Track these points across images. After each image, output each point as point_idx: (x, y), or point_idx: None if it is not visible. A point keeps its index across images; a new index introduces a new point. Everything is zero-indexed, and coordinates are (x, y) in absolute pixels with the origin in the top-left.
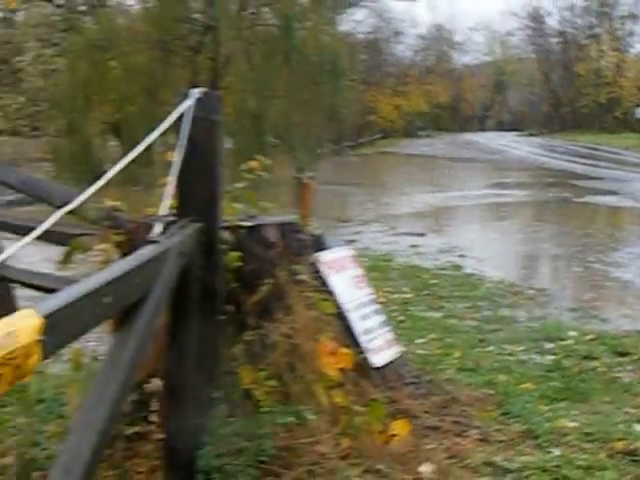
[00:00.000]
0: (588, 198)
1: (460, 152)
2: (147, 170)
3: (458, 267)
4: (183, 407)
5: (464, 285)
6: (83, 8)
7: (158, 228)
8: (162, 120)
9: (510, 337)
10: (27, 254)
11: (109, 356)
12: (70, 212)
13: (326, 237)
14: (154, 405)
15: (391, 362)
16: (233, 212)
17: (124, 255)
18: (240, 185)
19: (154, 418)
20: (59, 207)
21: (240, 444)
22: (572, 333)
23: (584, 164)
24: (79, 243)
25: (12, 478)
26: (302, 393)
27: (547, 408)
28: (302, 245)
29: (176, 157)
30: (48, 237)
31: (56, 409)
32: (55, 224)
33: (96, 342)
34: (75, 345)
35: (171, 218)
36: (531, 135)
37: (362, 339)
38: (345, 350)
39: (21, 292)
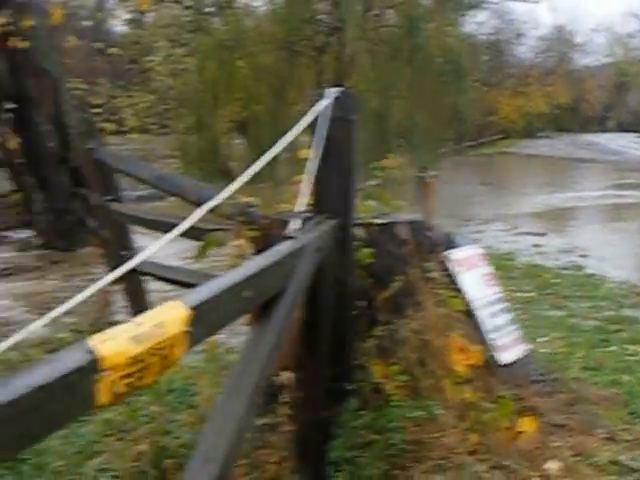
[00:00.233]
0: None
1: (579, 153)
2: (273, 167)
3: (579, 267)
4: (315, 400)
5: (586, 285)
6: (211, 9)
7: (295, 224)
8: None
9: (633, 338)
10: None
11: (246, 349)
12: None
13: (456, 235)
14: (283, 397)
15: (518, 360)
16: (365, 210)
17: (258, 251)
18: (373, 183)
19: (284, 410)
20: (193, 203)
21: (370, 437)
22: None
23: None
24: (214, 238)
25: (146, 465)
26: (431, 388)
27: None
28: (432, 243)
29: (312, 155)
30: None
31: (186, 399)
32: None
33: (226, 335)
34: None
35: (307, 215)
36: None
37: (490, 336)
38: (474, 347)
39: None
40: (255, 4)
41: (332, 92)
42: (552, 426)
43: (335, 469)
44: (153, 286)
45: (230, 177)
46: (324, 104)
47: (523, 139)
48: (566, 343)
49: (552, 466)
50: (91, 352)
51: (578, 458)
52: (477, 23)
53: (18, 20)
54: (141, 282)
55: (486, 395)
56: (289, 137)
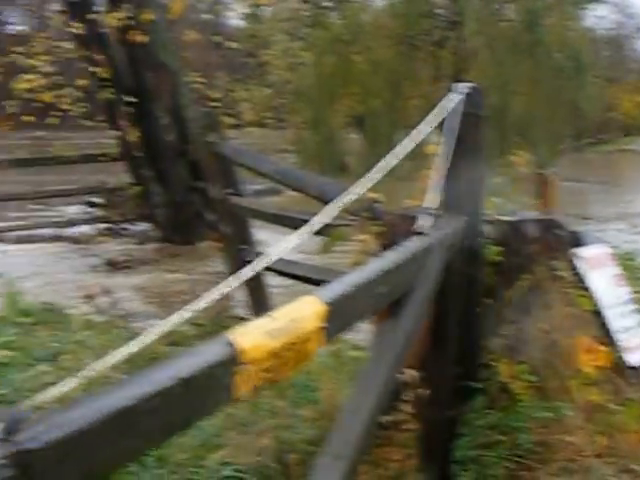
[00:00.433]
0: None
1: None
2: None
3: None
4: (441, 398)
5: None
6: (328, 4)
7: (424, 220)
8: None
9: None
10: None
11: (375, 348)
12: (329, 202)
13: (584, 233)
14: (407, 395)
15: None
16: (491, 206)
17: (384, 247)
18: (498, 180)
19: (407, 408)
20: (315, 197)
21: (496, 437)
22: None
23: None
24: (340, 233)
25: (269, 459)
26: (558, 389)
27: None
28: (560, 241)
29: (441, 151)
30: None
31: (307, 394)
32: (307, 214)
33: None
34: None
35: (437, 211)
36: None
37: (619, 337)
38: (603, 348)
39: None
40: None
41: (462, 87)
42: None
43: (460, 468)
44: (273, 281)
45: (347, 172)
46: (455, 100)
47: None
48: None
49: None
50: (231, 345)
51: None
52: (597, 17)
53: (138, 14)
54: (261, 276)
55: (614, 397)
56: (420, 132)
